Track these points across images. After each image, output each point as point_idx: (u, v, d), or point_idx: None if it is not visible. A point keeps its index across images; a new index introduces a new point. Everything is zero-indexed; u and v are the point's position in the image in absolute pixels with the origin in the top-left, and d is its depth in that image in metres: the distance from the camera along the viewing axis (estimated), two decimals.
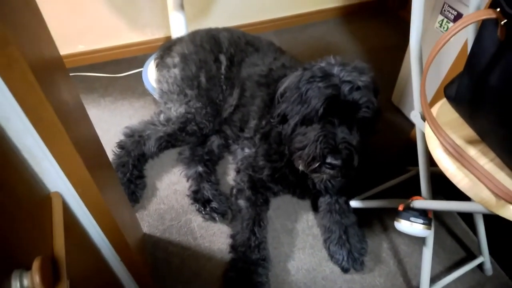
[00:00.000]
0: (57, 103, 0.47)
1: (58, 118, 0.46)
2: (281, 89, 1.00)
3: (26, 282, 0.36)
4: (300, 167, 0.96)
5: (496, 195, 0.68)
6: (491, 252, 1.13)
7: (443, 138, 0.74)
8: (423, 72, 0.75)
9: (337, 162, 0.88)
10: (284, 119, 0.99)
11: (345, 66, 0.93)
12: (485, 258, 1.11)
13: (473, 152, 0.75)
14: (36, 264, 0.37)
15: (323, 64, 0.96)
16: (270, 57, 1.32)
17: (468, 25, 0.64)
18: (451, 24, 1.20)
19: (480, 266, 1.14)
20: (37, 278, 0.36)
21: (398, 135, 1.51)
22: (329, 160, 0.88)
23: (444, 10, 1.21)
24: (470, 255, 1.17)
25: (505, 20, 0.60)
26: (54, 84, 0.51)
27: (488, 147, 0.75)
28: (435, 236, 1.20)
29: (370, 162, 1.35)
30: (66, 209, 0.60)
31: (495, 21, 0.63)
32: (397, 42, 1.88)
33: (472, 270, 1.12)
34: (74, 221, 0.63)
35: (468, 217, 1.22)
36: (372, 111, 0.92)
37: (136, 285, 0.95)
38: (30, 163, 0.50)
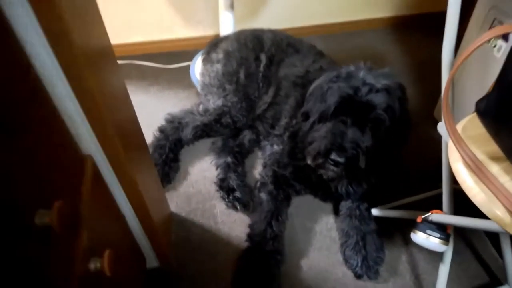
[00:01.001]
0: (101, 84, 0.55)
1: (99, 95, 0.54)
2: (310, 89, 1.03)
3: (46, 219, 0.42)
4: (308, 161, 0.99)
5: (511, 213, 0.66)
6: None
7: (462, 150, 0.73)
8: (447, 81, 0.74)
9: (340, 159, 0.90)
10: (307, 117, 1.02)
11: (372, 70, 0.95)
12: (510, 286, 1.06)
13: (495, 169, 0.74)
14: (56, 206, 0.43)
15: (352, 68, 0.98)
16: (309, 59, 1.35)
17: (493, 37, 0.64)
18: (499, 41, 1.15)
19: None
20: (54, 217, 0.42)
21: (436, 150, 1.46)
22: (332, 156, 0.90)
23: (494, 26, 1.16)
24: (495, 282, 1.12)
25: None
26: (100, 68, 0.59)
27: None
28: (459, 258, 1.16)
29: (399, 173, 1.34)
30: (98, 173, 0.68)
31: None
32: None
33: None
34: (103, 184, 0.71)
35: (497, 242, 1.16)
36: (392, 116, 0.92)
37: (155, 256, 1.03)
38: (69, 126, 0.59)
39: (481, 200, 0.70)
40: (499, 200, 0.67)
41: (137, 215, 0.87)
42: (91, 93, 0.53)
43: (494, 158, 0.75)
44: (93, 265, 0.54)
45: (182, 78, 1.72)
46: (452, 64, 0.83)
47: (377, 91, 0.91)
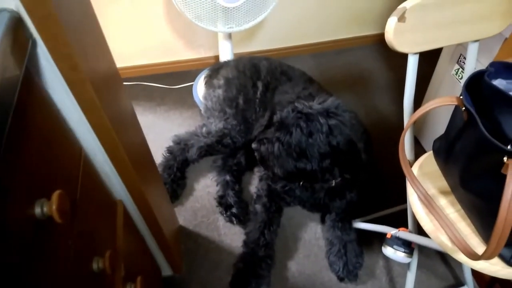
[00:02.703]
0: (113, 115, 0.70)
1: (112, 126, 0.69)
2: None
3: (45, 209, 0.45)
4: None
5: (451, 241, 0.84)
6: (478, 283, 1.26)
7: (416, 187, 0.91)
8: (404, 131, 0.91)
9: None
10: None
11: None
12: (468, 286, 1.25)
13: (443, 201, 0.92)
14: (55, 195, 0.46)
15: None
16: (300, 87, 1.52)
17: (435, 108, 0.80)
18: (464, 73, 1.31)
19: None
20: (53, 206, 0.45)
21: None
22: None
23: (460, 61, 1.32)
24: (459, 283, 1.31)
25: (464, 108, 0.76)
26: (110, 96, 0.70)
27: (456, 199, 0.90)
28: (429, 262, 1.35)
29: (376, 189, 1.51)
30: (128, 215, 0.86)
31: None
32: (427, 73, 1.98)
33: None
34: (131, 221, 0.89)
35: None
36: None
37: (168, 265, 1.22)
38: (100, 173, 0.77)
39: (430, 228, 0.87)
40: (444, 230, 0.85)
41: (151, 231, 1.04)
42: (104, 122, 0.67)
43: (444, 192, 0.93)
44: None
45: (186, 98, 1.88)
46: (411, 110, 0.99)
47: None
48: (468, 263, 0.82)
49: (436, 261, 1.37)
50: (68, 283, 0.52)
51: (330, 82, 1.92)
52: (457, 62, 1.34)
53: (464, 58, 1.30)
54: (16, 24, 0.47)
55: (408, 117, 0.99)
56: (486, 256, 0.71)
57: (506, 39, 1.10)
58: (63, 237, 0.53)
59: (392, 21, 0.82)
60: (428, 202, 0.89)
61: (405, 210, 1.37)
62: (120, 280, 0.72)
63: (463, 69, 1.32)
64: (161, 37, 1.87)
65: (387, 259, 1.36)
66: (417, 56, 0.91)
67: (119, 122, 0.72)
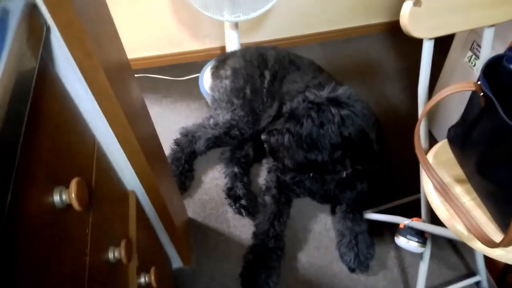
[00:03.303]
0: (126, 104, 0.69)
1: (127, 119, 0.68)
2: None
3: (64, 197, 0.45)
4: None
5: (467, 229, 0.82)
6: (491, 273, 1.25)
7: (431, 176, 0.89)
8: (419, 118, 0.90)
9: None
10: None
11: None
12: (482, 277, 1.24)
13: (458, 190, 0.90)
14: (74, 182, 0.46)
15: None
16: (309, 76, 1.50)
17: (454, 93, 0.78)
18: (478, 61, 1.29)
19: (478, 284, 1.26)
20: (72, 194, 0.45)
21: None
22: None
23: (473, 48, 1.30)
24: (471, 273, 1.30)
25: (482, 93, 0.74)
26: (122, 86, 0.69)
27: (472, 187, 0.89)
28: (441, 253, 1.34)
29: (386, 180, 1.49)
30: (140, 205, 0.86)
31: None
32: (438, 61, 1.95)
33: (469, 286, 1.25)
34: (143, 211, 0.89)
35: None
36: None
37: (179, 258, 1.22)
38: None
39: (445, 217, 0.86)
40: (459, 218, 0.84)
41: (162, 223, 1.04)
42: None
43: (459, 181, 0.92)
44: (143, 279, 0.73)
45: (192, 89, 1.87)
46: (425, 98, 0.98)
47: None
48: (485, 251, 0.81)
49: (447, 251, 1.36)
50: (86, 272, 0.52)
51: (338, 71, 1.89)
52: (470, 49, 1.31)
53: (478, 45, 1.28)
54: (31, 10, 0.46)
55: (422, 104, 0.98)
56: (505, 242, 0.70)
57: None
58: (81, 225, 0.52)
59: (407, 6, 0.80)
60: (443, 190, 0.88)
61: (417, 200, 1.36)
62: (135, 270, 0.71)
63: (476, 56, 1.30)
64: (166, 28, 1.85)
65: (398, 250, 1.35)
66: (432, 42, 0.89)
67: (131, 112, 0.71)
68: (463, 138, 0.87)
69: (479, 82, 0.76)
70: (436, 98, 0.82)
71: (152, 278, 0.75)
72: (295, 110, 1.18)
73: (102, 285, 0.57)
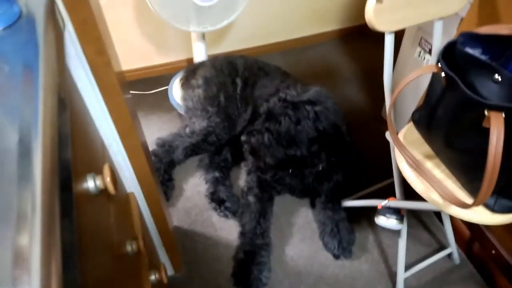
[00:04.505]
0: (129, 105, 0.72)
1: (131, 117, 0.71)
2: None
3: (98, 182, 0.47)
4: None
5: (442, 197, 0.92)
6: (459, 245, 1.38)
7: (405, 154, 0.99)
8: (389, 105, 1.00)
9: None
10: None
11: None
12: (452, 249, 1.36)
13: (429, 164, 1.01)
14: (106, 167, 0.49)
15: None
16: (278, 80, 1.58)
17: (419, 76, 0.89)
18: (427, 55, 1.45)
19: (449, 256, 1.38)
20: (107, 178, 0.48)
21: (386, 145, 1.74)
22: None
23: (421, 43, 1.46)
24: (442, 247, 1.42)
25: (444, 74, 0.85)
26: (124, 87, 0.74)
27: (440, 161, 1.00)
28: (414, 231, 1.45)
29: (358, 169, 1.60)
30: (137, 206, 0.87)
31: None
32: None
33: (443, 259, 1.37)
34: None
35: (440, 216, 1.47)
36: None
37: (171, 265, 1.22)
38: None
39: (421, 189, 0.96)
40: (434, 188, 0.93)
41: (157, 227, 1.04)
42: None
43: (428, 156, 1.02)
44: (153, 276, 0.74)
45: (161, 102, 1.88)
46: (391, 86, 1.09)
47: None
48: (459, 215, 0.91)
49: (419, 229, 1.47)
50: (110, 264, 0.53)
51: (301, 77, 2.00)
52: (419, 45, 1.47)
53: (425, 40, 1.43)
54: (52, 7, 0.49)
55: (389, 91, 1.08)
56: (478, 201, 0.80)
57: (462, 18, 1.24)
58: (107, 213, 0.54)
59: (371, 2, 0.90)
60: (416, 166, 0.97)
61: (387, 185, 1.48)
62: (147, 266, 0.72)
63: (424, 50, 1.45)
64: (132, 43, 1.86)
65: (376, 233, 1.45)
66: (393, 35, 1.00)
67: (132, 111, 0.73)
68: (428, 118, 0.98)
69: (439, 65, 0.87)
70: (404, 82, 0.92)
71: (163, 275, 0.76)
72: (273, 110, 1.25)
73: (124, 277, 0.58)
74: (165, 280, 0.75)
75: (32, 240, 0.26)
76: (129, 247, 0.62)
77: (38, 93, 0.35)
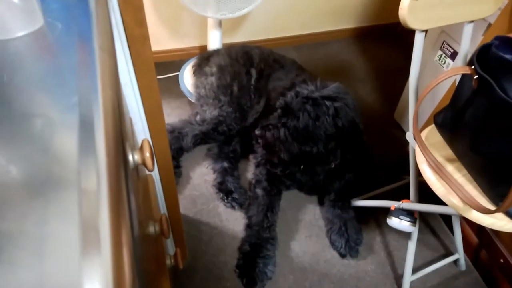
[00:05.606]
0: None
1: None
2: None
3: (136, 157, 0.46)
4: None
5: (463, 201, 0.91)
6: (465, 251, 1.37)
7: (427, 156, 0.97)
8: (416, 104, 0.98)
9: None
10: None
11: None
12: (459, 255, 1.35)
13: (450, 168, 0.99)
14: (145, 142, 0.47)
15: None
16: (293, 73, 1.56)
17: (450, 77, 0.87)
18: (448, 59, 1.43)
19: (456, 262, 1.37)
20: (147, 153, 0.46)
21: (397, 147, 1.74)
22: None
23: (443, 47, 1.44)
24: (449, 253, 1.41)
25: (476, 76, 0.83)
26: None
27: (462, 165, 0.98)
28: (421, 236, 1.44)
29: (371, 169, 1.59)
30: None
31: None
32: (403, 64, 2.11)
33: (449, 264, 1.36)
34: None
35: (449, 221, 1.46)
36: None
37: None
38: None
39: (442, 192, 0.94)
40: (454, 192, 0.92)
41: (169, 213, 1.01)
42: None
43: (450, 160, 1.01)
44: (168, 261, 0.71)
45: (171, 88, 1.85)
46: (417, 86, 1.07)
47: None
48: (479, 220, 0.90)
49: (427, 234, 1.46)
50: (140, 243, 0.51)
51: (313, 73, 1.98)
52: (440, 49, 1.45)
53: (448, 44, 1.41)
54: None
55: (413, 92, 1.06)
56: (504, 207, 0.78)
57: (489, 24, 1.22)
58: (137, 190, 0.52)
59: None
60: (438, 168, 0.96)
61: (397, 187, 1.46)
62: (165, 250, 0.70)
63: (446, 54, 1.43)
64: None
65: (383, 235, 1.44)
66: (423, 34, 0.98)
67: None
68: (453, 121, 0.96)
69: (473, 67, 0.85)
70: (434, 83, 0.90)
71: (179, 259, 0.74)
72: (290, 105, 1.22)
73: (150, 258, 0.56)
74: (180, 265, 0.72)
75: (100, 209, 0.23)
76: (152, 228, 0.60)
77: (94, 53, 0.32)
